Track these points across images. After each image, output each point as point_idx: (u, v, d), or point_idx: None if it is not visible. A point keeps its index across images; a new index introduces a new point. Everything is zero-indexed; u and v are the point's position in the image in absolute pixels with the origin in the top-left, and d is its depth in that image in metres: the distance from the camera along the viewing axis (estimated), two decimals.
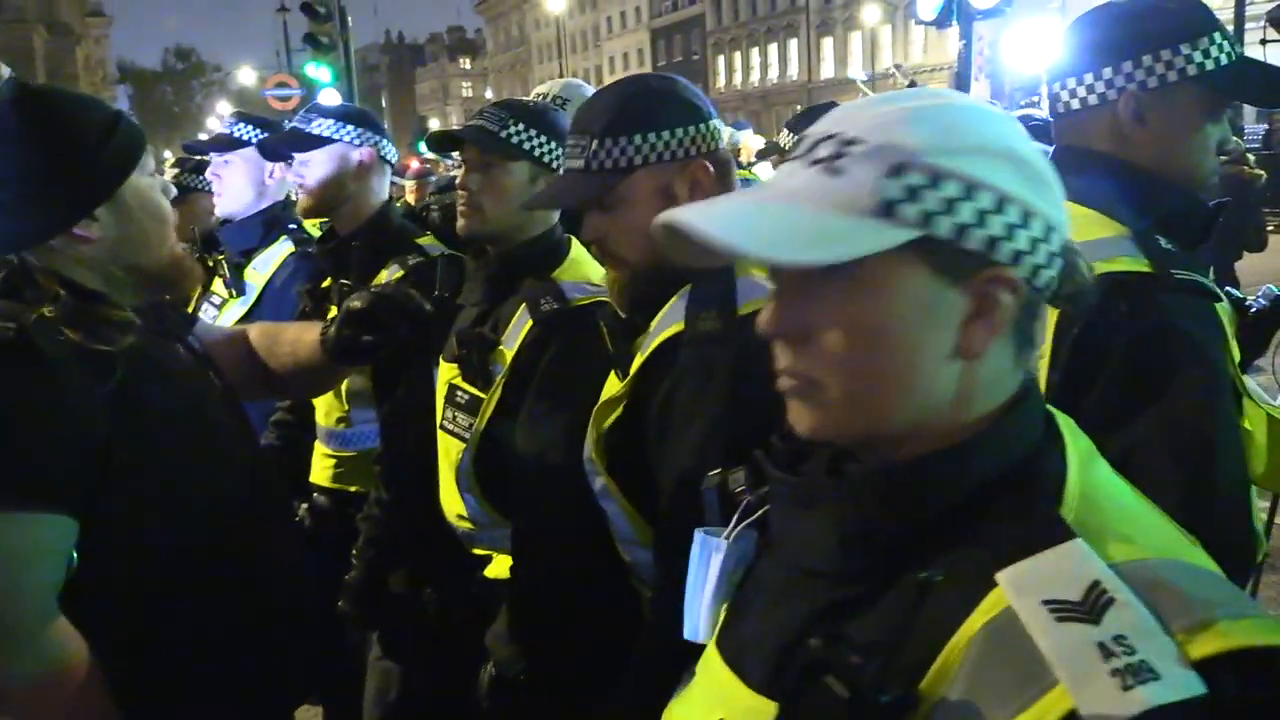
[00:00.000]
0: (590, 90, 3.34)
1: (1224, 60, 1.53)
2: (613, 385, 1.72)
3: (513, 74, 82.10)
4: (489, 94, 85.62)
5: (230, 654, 1.64)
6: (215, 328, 2.27)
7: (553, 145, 2.17)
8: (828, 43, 53.15)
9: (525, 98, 2.76)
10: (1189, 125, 1.57)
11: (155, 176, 1.72)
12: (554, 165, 2.17)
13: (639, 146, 1.61)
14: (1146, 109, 1.55)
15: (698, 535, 1.08)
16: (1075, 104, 1.60)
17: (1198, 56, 1.52)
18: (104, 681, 1.44)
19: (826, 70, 53.03)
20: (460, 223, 2.17)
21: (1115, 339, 1.43)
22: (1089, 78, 1.58)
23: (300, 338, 2.13)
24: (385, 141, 2.87)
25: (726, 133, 1.81)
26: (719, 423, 1.50)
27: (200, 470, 1.65)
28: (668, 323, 1.61)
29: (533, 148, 2.14)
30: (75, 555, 1.47)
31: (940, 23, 11.34)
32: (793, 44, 55.04)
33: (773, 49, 55.99)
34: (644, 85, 1.70)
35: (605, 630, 1.91)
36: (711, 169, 1.65)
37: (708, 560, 1.07)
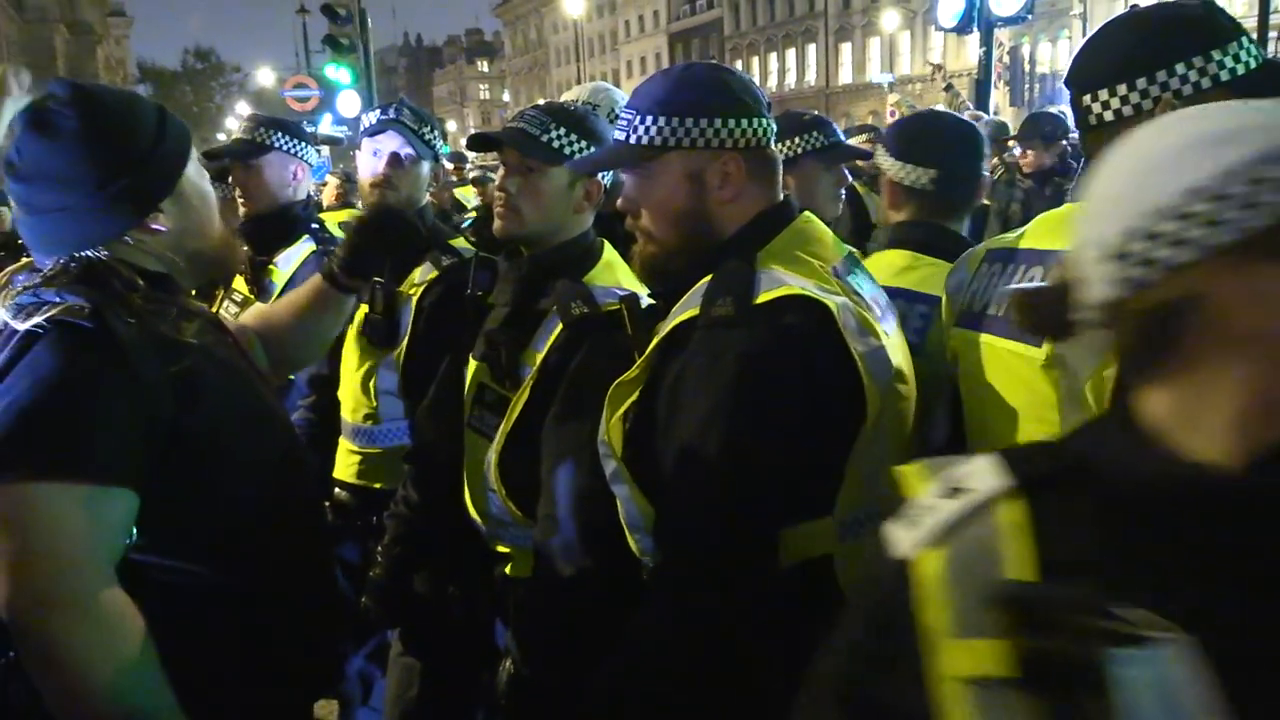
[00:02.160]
0: (619, 93, 3.35)
1: (1252, 64, 1.53)
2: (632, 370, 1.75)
3: (530, 77, 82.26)
4: (506, 97, 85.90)
5: (258, 642, 1.67)
6: (228, 320, 2.33)
7: (593, 150, 2.17)
8: (846, 48, 53.09)
9: (563, 101, 2.76)
10: None
11: (199, 164, 1.78)
12: (594, 171, 2.19)
13: (674, 128, 1.67)
14: None
15: (1123, 658, 0.73)
16: (1109, 115, 1.58)
17: (1229, 62, 1.51)
18: (156, 655, 1.47)
19: (845, 76, 52.96)
20: (497, 224, 2.19)
21: None
22: (1122, 88, 1.56)
23: (293, 297, 2.23)
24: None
25: None
26: (723, 404, 1.53)
27: (249, 454, 1.70)
28: (685, 308, 1.65)
29: (573, 153, 2.15)
30: (135, 531, 1.52)
31: (961, 29, 11.31)
32: (811, 49, 55.03)
33: (791, 54, 56.00)
34: (693, 72, 1.75)
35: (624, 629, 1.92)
36: (744, 164, 1.69)
37: (1173, 678, 0.73)
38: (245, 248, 3.24)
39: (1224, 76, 1.51)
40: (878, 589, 0.96)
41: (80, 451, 1.45)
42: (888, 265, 2.35)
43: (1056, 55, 41.16)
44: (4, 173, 1.61)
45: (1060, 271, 0.96)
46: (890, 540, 0.94)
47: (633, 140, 1.71)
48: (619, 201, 1.78)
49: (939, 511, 0.92)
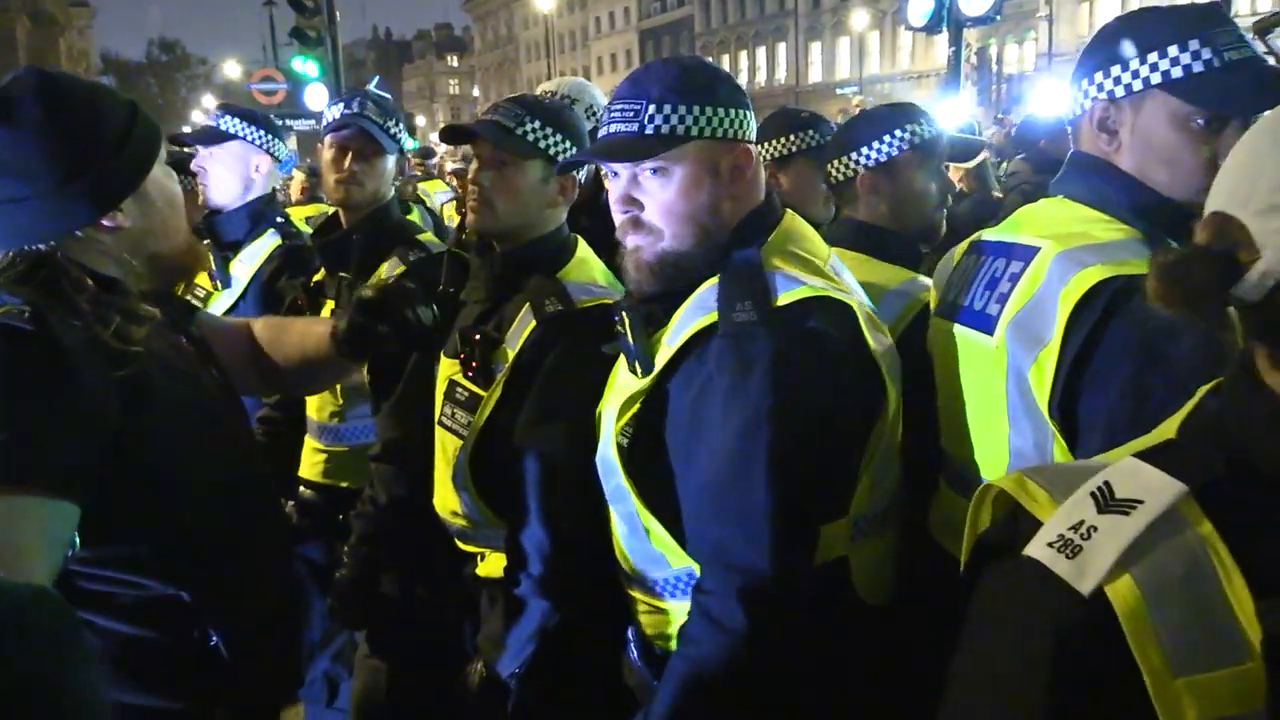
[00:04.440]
0: (597, 90, 3.31)
1: (1198, 68, 1.50)
2: (630, 381, 1.69)
3: (500, 73, 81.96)
4: (476, 92, 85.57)
5: (211, 657, 1.61)
6: (216, 318, 2.25)
7: (568, 144, 2.14)
8: (816, 47, 53.33)
9: (538, 95, 2.72)
10: (1159, 133, 1.54)
11: (167, 165, 1.72)
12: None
13: (695, 117, 1.59)
14: (1112, 117, 1.57)
15: None
16: (1066, 114, 1.65)
17: (1164, 64, 1.51)
18: (100, 681, 1.41)
19: (814, 75, 53.18)
20: (470, 218, 2.14)
21: (1127, 341, 1.42)
22: (1073, 89, 1.63)
23: (309, 330, 2.12)
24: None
25: None
26: (759, 415, 1.48)
27: (201, 463, 1.64)
28: (696, 314, 1.58)
29: (548, 146, 2.11)
30: (78, 541, 1.45)
31: (930, 29, 11.36)
32: (781, 48, 55.20)
33: (761, 52, 56.14)
34: (700, 61, 1.69)
35: (595, 633, 1.89)
36: (752, 157, 1.66)
37: None
38: (207, 241, 3.20)
39: (1155, 79, 1.52)
40: (1051, 637, 0.80)
41: (17, 460, 1.37)
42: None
43: (1023, 56, 41.61)
44: None
45: (1208, 235, 0.87)
46: (1048, 573, 0.80)
47: (649, 130, 1.59)
48: (619, 197, 1.67)
49: (1112, 532, 0.80)
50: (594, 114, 3.22)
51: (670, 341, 1.61)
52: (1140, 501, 0.81)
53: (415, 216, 3.98)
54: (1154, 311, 1.40)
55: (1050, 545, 0.82)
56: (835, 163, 2.34)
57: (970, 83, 15.89)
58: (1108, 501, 0.83)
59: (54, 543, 1.40)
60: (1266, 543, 0.77)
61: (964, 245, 1.85)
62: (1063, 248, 1.51)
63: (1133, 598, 0.77)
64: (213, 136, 3.22)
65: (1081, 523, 0.82)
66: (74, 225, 1.57)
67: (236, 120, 3.24)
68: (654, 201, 1.63)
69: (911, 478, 1.78)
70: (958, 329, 1.71)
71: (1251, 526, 0.79)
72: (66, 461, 1.42)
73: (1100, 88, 1.56)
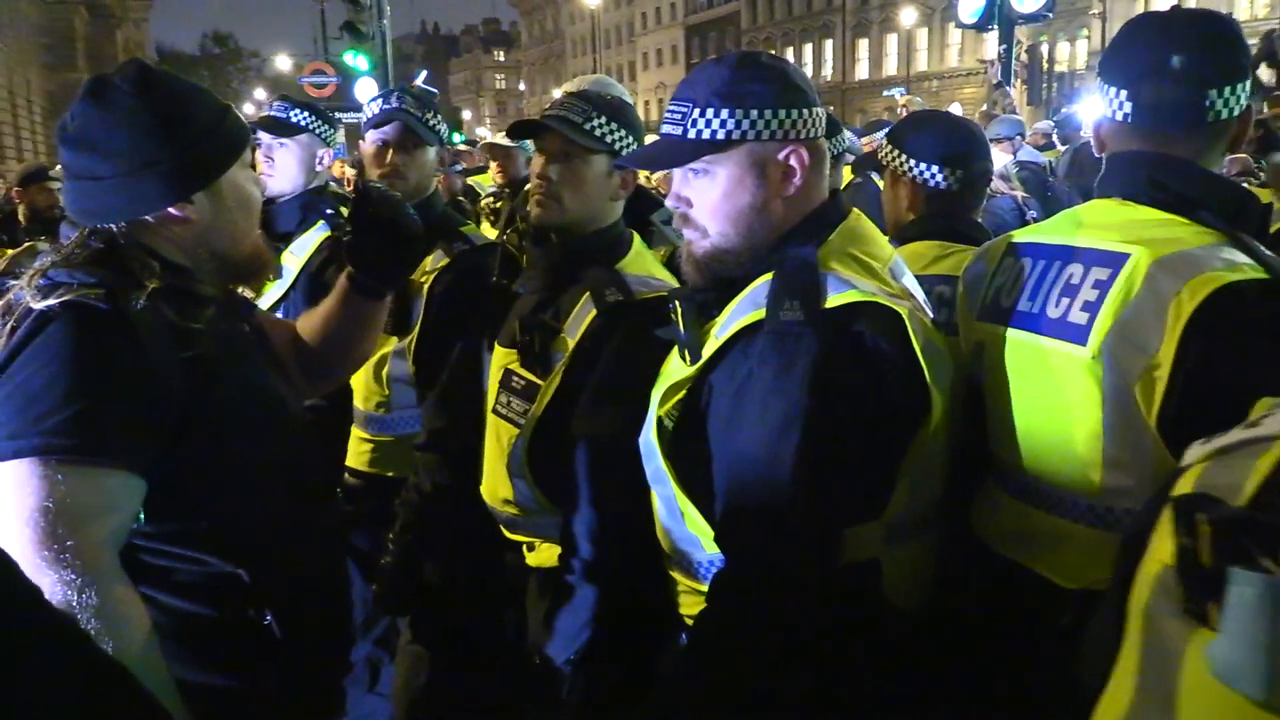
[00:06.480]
0: (620, 88, 3.33)
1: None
2: (679, 367, 1.70)
3: (546, 67, 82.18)
4: (522, 86, 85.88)
5: (268, 633, 1.64)
6: (267, 314, 2.30)
7: (630, 140, 2.17)
8: (863, 44, 52.92)
9: (589, 90, 2.74)
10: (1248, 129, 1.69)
11: (250, 170, 1.78)
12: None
13: (739, 120, 1.61)
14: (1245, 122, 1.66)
15: (1241, 576, 0.74)
16: (1225, 114, 1.62)
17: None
18: (158, 647, 1.46)
19: (861, 71, 52.78)
20: (535, 211, 2.16)
21: (1267, 347, 1.41)
22: (1239, 88, 1.63)
23: (329, 299, 2.19)
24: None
25: (847, 136, 1.83)
26: (796, 414, 1.49)
27: (261, 444, 1.69)
28: (745, 309, 1.59)
29: (613, 140, 2.15)
30: (142, 516, 1.51)
31: (981, 26, 11.26)
32: (828, 45, 54.84)
33: (808, 49, 55.78)
34: (754, 61, 1.69)
35: (650, 618, 1.90)
36: (806, 156, 1.65)
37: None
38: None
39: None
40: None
41: (88, 433, 1.43)
42: (919, 256, 2.35)
43: (1075, 54, 40.96)
44: (57, 137, 1.65)
45: None
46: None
47: (692, 135, 1.62)
48: (671, 194, 1.71)
49: (1230, 435, 0.94)
50: None
51: (719, 334, 1.62)
52: (1262, 427, 0.92)
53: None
54: None
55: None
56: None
57: (1020, 81, 15.64)
58: (1253, 420, 0.94)
59: (118, 514, 1.47)
60: None
61: (1000, 245, 1.82)
62: (1157, 254, 1.49)
63: (1192, 482, 0.92)
64: (284, 128, 3.27)
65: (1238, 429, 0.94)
66: (145, 210, 1.64)
67: (305, 113, 3.28)
68: (699, 201, 1.66)
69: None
70: (1023, 336, 1.68)
71: None
72: (134, 436, 1.48)
73: (1250, 91, 1.63)
